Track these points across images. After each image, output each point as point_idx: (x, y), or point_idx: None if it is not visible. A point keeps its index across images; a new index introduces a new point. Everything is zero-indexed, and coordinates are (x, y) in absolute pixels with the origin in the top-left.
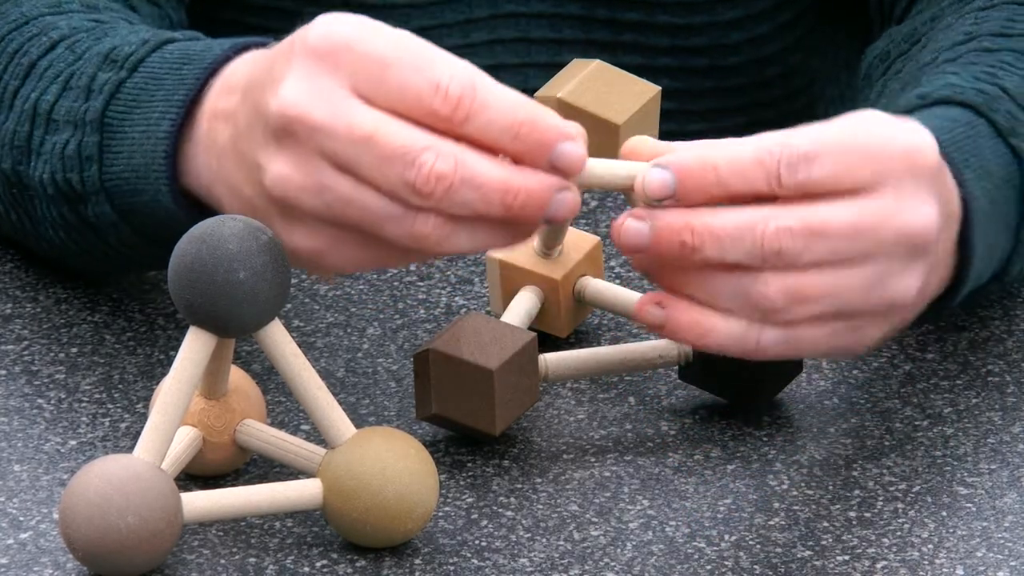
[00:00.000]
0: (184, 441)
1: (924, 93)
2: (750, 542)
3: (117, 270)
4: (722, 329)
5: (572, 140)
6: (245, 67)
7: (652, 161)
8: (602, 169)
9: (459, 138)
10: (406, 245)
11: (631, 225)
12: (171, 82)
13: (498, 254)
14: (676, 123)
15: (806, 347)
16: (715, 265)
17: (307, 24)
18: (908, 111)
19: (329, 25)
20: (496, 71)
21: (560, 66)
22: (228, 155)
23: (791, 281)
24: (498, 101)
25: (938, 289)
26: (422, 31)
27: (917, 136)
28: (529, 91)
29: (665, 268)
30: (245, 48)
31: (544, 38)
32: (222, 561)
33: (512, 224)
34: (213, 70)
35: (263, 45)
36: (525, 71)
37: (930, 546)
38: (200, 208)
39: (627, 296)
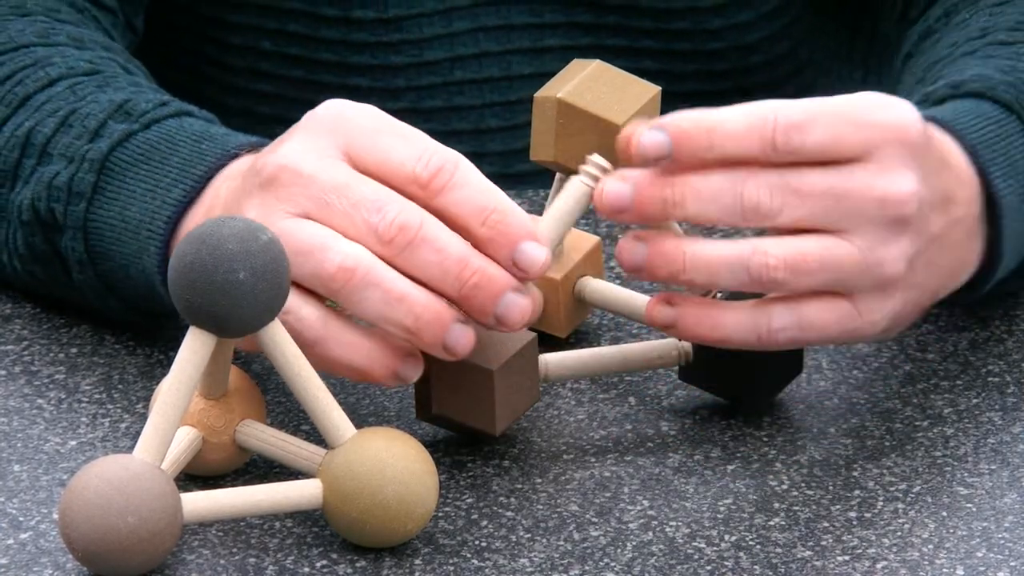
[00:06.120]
0: (184, 441)
1: (956, 82)
2: (750, 542)
3: (76, 302)
4: (731, 320)
5: (537, 242)
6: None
7: (649, 123)
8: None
9: (432, 211)
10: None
11: (612, 186)
12: (188, 152)
13: None
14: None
15: (816, 329)
16: (707, 246)
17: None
18: (940, 101)
19: (333, 102)
20: (479, 59)
21: (543, 53)
22: (219, 207)
23: (788, 246)
24: (476, 183)
25: (955, 277)
26: (402, 20)
27: (905, 112)
28: (513, 77)
29: (658, 261)
30: (262, 145)
31: (526, 23)
32: (222, 561)
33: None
34: (233, 156)
35: None
36: (508, 58)
37: (930, 546)
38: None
39: (627, 296)
